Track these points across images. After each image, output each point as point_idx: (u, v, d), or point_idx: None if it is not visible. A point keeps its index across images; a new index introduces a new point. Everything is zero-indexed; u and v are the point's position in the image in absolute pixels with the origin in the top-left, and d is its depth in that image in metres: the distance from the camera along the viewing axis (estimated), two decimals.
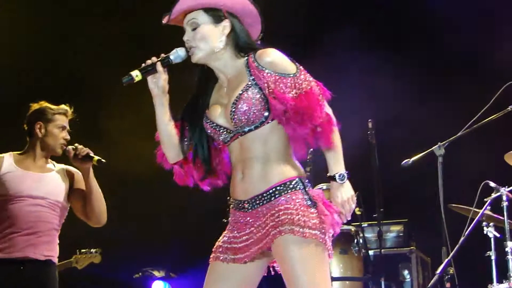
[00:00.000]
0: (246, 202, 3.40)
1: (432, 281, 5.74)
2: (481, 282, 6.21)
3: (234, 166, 3.49)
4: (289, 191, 3.35)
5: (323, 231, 3.29)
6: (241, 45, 3.46)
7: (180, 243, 7.77)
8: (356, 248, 6.66)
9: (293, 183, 3.35)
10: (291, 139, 3.36)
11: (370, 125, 6.31)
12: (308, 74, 3.35)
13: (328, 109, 3.34)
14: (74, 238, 6.21)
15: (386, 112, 7.11)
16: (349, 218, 3.36)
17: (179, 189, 8.33)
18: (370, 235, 6.98)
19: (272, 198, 3.34)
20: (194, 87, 3.59)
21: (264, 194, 3.35)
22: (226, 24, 3.42)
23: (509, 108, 5.70)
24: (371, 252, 6.78)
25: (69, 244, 5.99)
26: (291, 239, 3.25)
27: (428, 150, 5.71)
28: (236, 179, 3.46)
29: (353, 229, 6.68)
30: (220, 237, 3.52)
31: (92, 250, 6.22)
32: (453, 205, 6.08)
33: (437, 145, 5.65)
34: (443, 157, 5.69)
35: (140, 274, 7.54)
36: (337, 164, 3.34)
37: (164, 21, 3.51)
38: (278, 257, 3.34)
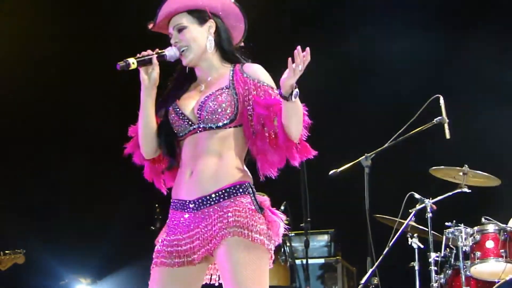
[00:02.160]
0: (191, 202, 3.38)
1: None
2: None
3: (183, 163, 3.46)
4: (238, 194, 3.34)
5: (269, 238, 3.30)
6: (226, 49, 3.50)
7: (106, 250, 7.73)
8: (283, 257, 6.65)
9: (243, 187, 3.35)
10: (258, 150, 3.38)
11: None
12: None
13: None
14: None
15: (315, 121, 7.15)
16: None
17: (105, 197, 8.18)
18: (297, 244, 6.98)
19: (221, 200, 3.33)
20: (171, 82, 3.58)
21: (213, 195, 3.33)
22: (211, 24, 3.46)
23: (434, 121, 5.77)
24: (297, 261, 6.79)
25: None
26: (238, 241, 3.25)
27: (355, 161, 5.73)
28: (182, 177, 3.44)
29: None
30: (159, 242, 3.47)
31: (16, 250, 6.17)
32: (379, 215, 6.19)
33: (364, 156, 5.68)
34: (369, 168, 5.72)
35: (66, 281, 7.46)
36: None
37: (150, 26, 3.51)
38: (221, 259, 3.30)
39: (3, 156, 8.38)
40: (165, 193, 3.59)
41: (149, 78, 3.40)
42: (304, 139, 3.39)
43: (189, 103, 3.46)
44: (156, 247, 3.45)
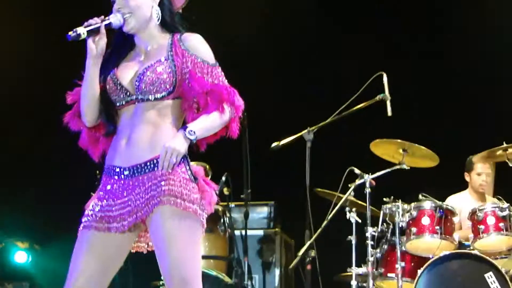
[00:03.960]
0: (126, 169, 3.38)
1: (294, 262, 5.85)
2: (341, 265, 6.43)
3: (119, 131, 3.46)
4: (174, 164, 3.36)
5: (201, 207, 3.34)
6: (167, 18, 3.51)
7: (46, 216, 7.73)
8: (222, 228, 6.66)
9: (183, 159, 3.37)
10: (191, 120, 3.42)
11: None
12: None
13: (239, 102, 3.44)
14: None
15: (260, 94, 7.14)
16: (161, 168, 3.32)
17: (48, 164, 8.06)
18: (237, 215, 6.98)
19: (156, 168, 3.33)
20: (109, 47, 3.52)
21: (148, 163, 3.34)
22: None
23: (377, 98, 5.82)
24: (236, 232, 6.78)
25: None
26: (171, 210, 3.27)
27: (297, 135, 5.75)
28: (118, 145, 3.44)
29: (220, 209, 6.66)
30: (89, 206, 3.46)
31: None
32: (319, 189, 6.24)
33: (306, 130, 5.70)
34: (311, 142, 5.73)
35: (3, 244, 7.49)
36: (198, 125, 3.35)
37: None
38: (153, 227, 3.33)
39: None
40: (96, 160, 3.59)
41: (97, 48, 3.38)
42: (235, 120, 3.45)
43: (127, 74, 3.47)
44: (86, 211, 3.44)
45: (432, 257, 5.98)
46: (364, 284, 6.16)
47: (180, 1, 3.60)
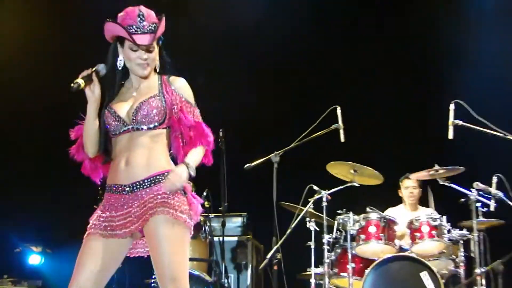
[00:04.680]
0: (127, 186, 3.44)
1: (263, 264, 5.87)
2: (302, 266, 6.48)
3: (117, 155, 3.51)
4: (166, 179, 3.43)
5: (190, 216, 3.41)
6: (160, 66, 3.60)
7: (55, 225, 7.62)
8: (204, 235, 6.62)
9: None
10: (179, 147, 3.55)
11: (221, 133, 6.30)
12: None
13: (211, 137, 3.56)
14: None
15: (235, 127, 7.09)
16: (167, 190, 3.38)
17: (58, 180, 7.86)
18: (216, 224, 6.98)
19: (152, 184, 3.41)
20: (111, 83, 3.59)
21: (146, 180, 3.41)
22: (157, 50, 3.55)
23: (332, 127, 5.91)
24: (215, 239, 6.80)
25: None
26: (165, 219, 3.34)
27: (266, 157, 5.77)
28: (118, 166, 3.48)
29: (202, 219, 6.56)
30: (93, 218, 3.50)
31: None
32: (284, 203, 6.22)
33: (273, 154, 5.73)
34: (278, 163, 5.75)
35: (20, 249, 7.37)
36: (192, 159, 3.46)
37: (140, 42, 3.46)
38: (150, 233, 3.39)
39: None
40: (98, 183, 3.67)
41: (93, 94, 3.45)
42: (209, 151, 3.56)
43: (123, 107, 3.51)
44: (91, 221, 3.49)
45: (377, 259, 6.03)
46: (321, 282, 6.18)
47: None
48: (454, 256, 6.25)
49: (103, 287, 3.48)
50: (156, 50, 3.53)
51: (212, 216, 6.80)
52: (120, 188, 3.46)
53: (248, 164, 5.85)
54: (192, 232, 3.43)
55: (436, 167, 6.16)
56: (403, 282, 5.98)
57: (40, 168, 8.03)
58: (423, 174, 6.38)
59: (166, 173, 3.42)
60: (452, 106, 5.75)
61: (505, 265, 5.89)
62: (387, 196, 7.11)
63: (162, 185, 3.38)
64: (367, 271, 5.97)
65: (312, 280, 6.16)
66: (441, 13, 8.28)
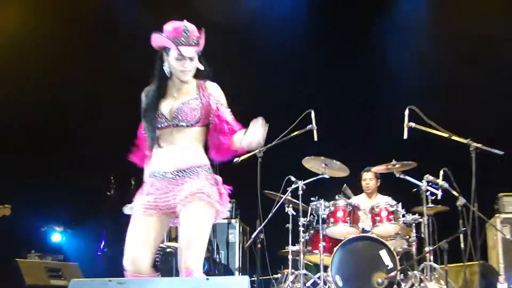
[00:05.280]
0: (169, 173, 3.49)
1: (248, 242, 5.97)
2: (281, 244, 6.47)
3: (161, 146, 3.54)
4: (202, 171, 3.49)
5: (219, 203, 3.48)
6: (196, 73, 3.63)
7: (74, 207, 7.50)
8: None
9: (205, 167, 3.52)
10: (216, 143, 3.55)
11: None
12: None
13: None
14: None
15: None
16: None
17: (76, 169, 7.56)
18: None
19: (190, 174, 3.47)
20: (158, 87, 3.60)
21: (186, 169, 3.47)
22: (197, 59, 3.57)
23: (307, 128, 5.96)
24: None
25: None
26: (200, 203, 3.40)
27: (251, 153, 5.70)
28: (162, 156, 3.53)
29: None
30: (140, 200, 3.52)
31: (5, 205, 6.12)
32: (267, 191, 6.23)
33: (257, 150, 5.68)
34: (261, 158, 5.80)
35: (45, 228, 7.28)
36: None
37: (186, 54, 3.48)
38: (186, 212, 3.42)
39: None
40: (139, 166, 3.70)
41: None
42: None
43: (166, 106, 3.55)
44: (136, 203, 3.54)
45: (344, 239, 6.09)
46: (297, 258, 6.23)
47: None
48: (407, 237, 6.32)
49: (151, 256, 3.51)
50: (196, 59, 3.56)
51: None
52: (164, 175, 3.50)
53: (236, 159, 5.67)
54: (218, 216, 3.46)
55: (394, 162, 6.20)
56: (365, 258, 5.99)
57: (60, 161, 7.90)
58: (382, 168, 6.41)
59: (203, 165, 3.50)
60: (406, 111, 5.82)
61: (450, 244, 5.87)
62: (353, 186, 7.06)
63: (245, 136, 3.35)
64: (335, 249, 6.02)
65: (290, 256, 6.19)
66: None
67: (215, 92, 3.61)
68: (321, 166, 6.30)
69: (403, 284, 5.98)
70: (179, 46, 3.48)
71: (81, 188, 7.35)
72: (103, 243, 6.35)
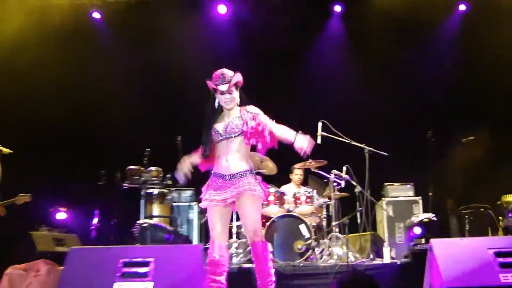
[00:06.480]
0: (227, 176, 3.76)
1: (203, 219, 5.89)
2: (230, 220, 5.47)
3: (219, 156, 3.80)
4: (249, 174, 3.77)
5: (262, 196, 3.76)
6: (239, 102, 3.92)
7: (76, 191, 7.40)
8: (167, 201, 6.47)
9: (251, 171, 3.81)
10: (257, 142, 3.75)
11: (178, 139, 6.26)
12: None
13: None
14: (9, 188, 6.14)
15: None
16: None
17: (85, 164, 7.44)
18: (175, 194, 6.86)
19: (242, 176, 3.75)
20: (211, 114, 3.86)
21: (238, 173, 3.75)
22: (237, 92, 3.88)
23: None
24: (175, 203, 6.71)
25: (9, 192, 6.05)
26: (250, 196, 3.70)
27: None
28: (221, 163, 3.78)
29: (167, 190, 6.51)
30: (206, 195, 3.76)
31: (26, 194, 6.28)
32: None
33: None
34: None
35: (53, 208, 7.24)
36: (290, 135, 3.72)
37: (222, 89, 3.76)
38: (241, 205, 3.71)
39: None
40: (202, 171, 3.95)
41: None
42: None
43: (221, 125, 3.84)
44: (205, 196, 3.81)
45: (273, 217, 6.11)
46: (239, 231, 6.18)
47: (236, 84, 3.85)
48: (320, 215, 6.44)
49: (227, 238, 3.83)
50: (237, 92, 3.85)
51: (173, 189, 6.76)
52: (223, 176, 3.77)
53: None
54: (263, 203, 3.67)
55: (310, 160, 6.34)
56: (289, 231, 6.02)
57: (66, 157, 7.85)
58: (301, 165, 6.60)
59: (250, 170, 3.74)
60: (319, 124, 5.92)
61: (350, 220, 6.04)
62: (282, 178, 7.01)
63: (297, 143, 3.63)
64: (267, 224, 6.02)
65: (234, 229, 6.18)
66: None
67: (254, 111, 3.87)
68: (260, 164, 6.37)
69: (316, 249, 6.06)
70: (218, 85, 3.81)
71: (81, 179, 7.33)
72: (95, 219, 6.42)
